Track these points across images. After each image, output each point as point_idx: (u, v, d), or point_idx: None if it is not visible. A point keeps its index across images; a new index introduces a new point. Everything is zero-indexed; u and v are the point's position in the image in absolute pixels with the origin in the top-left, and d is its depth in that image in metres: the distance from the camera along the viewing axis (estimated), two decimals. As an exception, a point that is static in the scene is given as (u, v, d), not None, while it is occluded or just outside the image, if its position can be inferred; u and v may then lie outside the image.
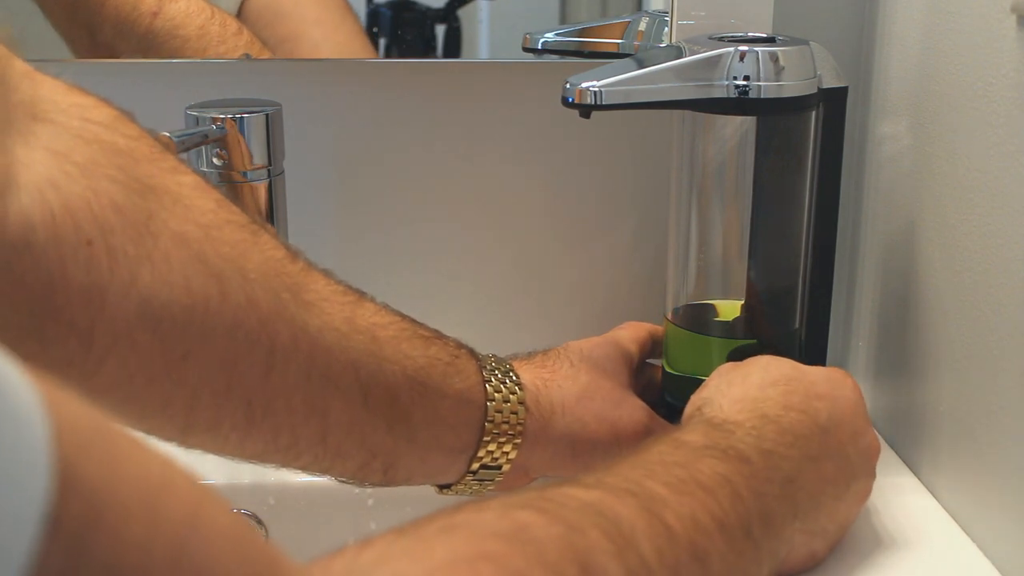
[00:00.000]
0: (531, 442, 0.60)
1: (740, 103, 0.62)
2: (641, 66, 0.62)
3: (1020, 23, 0.57)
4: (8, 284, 0.43)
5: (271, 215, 0.69)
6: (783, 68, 0.62)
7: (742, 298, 0.69)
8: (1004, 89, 0.59)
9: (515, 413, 0.59)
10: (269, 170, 0.69)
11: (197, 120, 0.67)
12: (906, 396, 0.71)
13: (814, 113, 0.66)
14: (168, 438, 0.51)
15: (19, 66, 0.46)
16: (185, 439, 0.51)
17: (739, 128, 0.66)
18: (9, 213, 0.43)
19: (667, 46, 0.69)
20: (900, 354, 0.72)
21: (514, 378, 0.60)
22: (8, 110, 0.44)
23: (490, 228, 0.80)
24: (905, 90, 0.71)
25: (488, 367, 0.60)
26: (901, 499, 0.67)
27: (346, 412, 0.53)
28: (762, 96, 0.62)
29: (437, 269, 0.80)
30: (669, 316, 0.70)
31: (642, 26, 0.79)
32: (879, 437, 0.61)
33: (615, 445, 0.61)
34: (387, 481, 0.57)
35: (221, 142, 0.67)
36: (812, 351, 0.71)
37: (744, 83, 0.62)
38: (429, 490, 0.70)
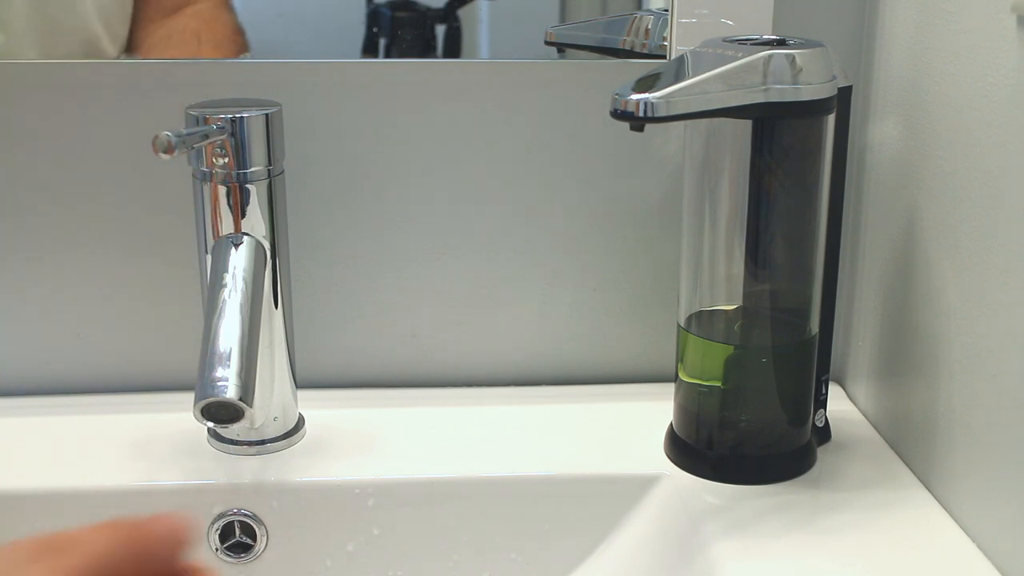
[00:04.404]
0: None
1: (787, 107, 0.62)
2: (682, 75, 0.60)
3: (1020, 23, 0.57)
4: None
5: (271, 215, 0.69)
6: (802, 70, 0.62)
7: (756, 305, 0.69)
8: (1004, 89, 0.59)
9: None
10: (269, 170, 0.69)
11: (197, 120, 0.67)
12: (907, 397, 0.71)
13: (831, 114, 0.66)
14: None
15: None
16: None
17: (754, 132, 0.65)
18: None
19: (679, 56, 0.67)
20: (901, 355, 0.72)
21: None
22: None
23: (491, 229, 0.79)
24: (905, 90, 0.71)
25: None
26: (901, 499, 0.67)
27: None
28: (802, 99, 0.62)
29: (437, 270, 0.80)
30: (682, 323, 0.70)
31: (649, 24, 0.79)
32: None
33: None
34: None
35: (221, 142, 0.67)
36: (819, 355, 0.70)
37: (784, 87, 0.61)
38: (429, 492, 0.70)
